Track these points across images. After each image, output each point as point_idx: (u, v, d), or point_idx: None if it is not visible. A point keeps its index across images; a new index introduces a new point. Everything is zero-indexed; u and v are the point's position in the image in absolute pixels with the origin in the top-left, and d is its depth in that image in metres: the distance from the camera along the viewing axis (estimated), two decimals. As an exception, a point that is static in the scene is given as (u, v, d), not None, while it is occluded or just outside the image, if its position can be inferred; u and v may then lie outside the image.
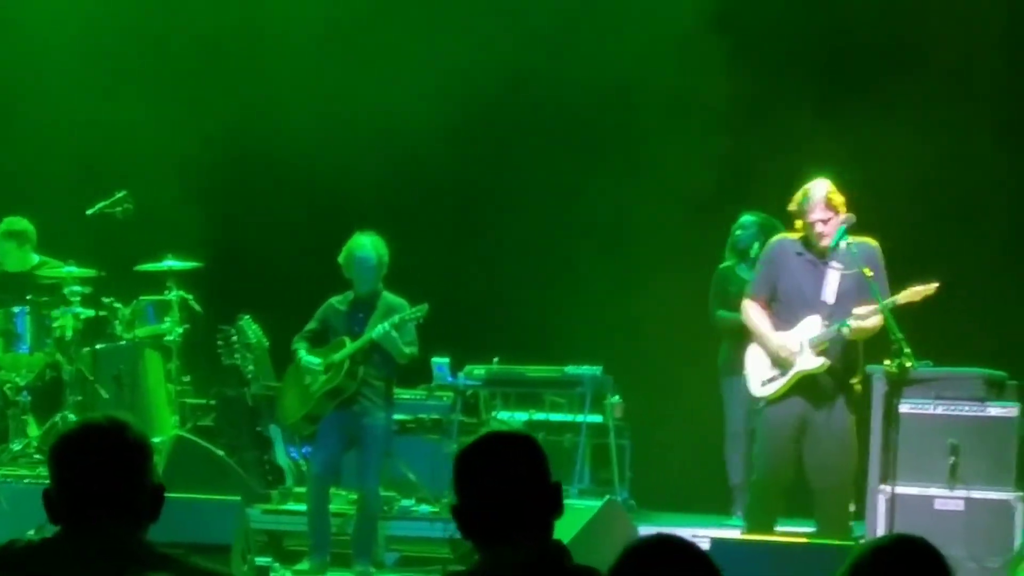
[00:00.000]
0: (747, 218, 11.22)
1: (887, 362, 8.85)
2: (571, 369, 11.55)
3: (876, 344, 9.07)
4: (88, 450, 3.54)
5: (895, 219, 11.43)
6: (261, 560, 9.59)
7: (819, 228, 9.11)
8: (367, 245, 10.29)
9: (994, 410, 9.45)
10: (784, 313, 9.30)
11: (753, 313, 9.38)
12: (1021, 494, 9.30)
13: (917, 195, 11.84)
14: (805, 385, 9.15)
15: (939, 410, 9.48)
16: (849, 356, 9.21)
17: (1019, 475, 9.37)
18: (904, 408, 9.27)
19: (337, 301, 10.50)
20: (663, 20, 12.46)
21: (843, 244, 9.11)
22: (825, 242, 9.13)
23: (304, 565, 10.24)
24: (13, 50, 13.17)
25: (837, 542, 8.49)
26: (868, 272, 8.89)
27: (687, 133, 12.31)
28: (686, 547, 3.11)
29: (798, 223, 9.25)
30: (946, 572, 3.15)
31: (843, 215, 9.00)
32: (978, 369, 9.67)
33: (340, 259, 10.37)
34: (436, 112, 12.75)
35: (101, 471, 3.51)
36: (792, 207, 9.23)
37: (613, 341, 12.16)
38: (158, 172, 12.71)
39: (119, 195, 11.34)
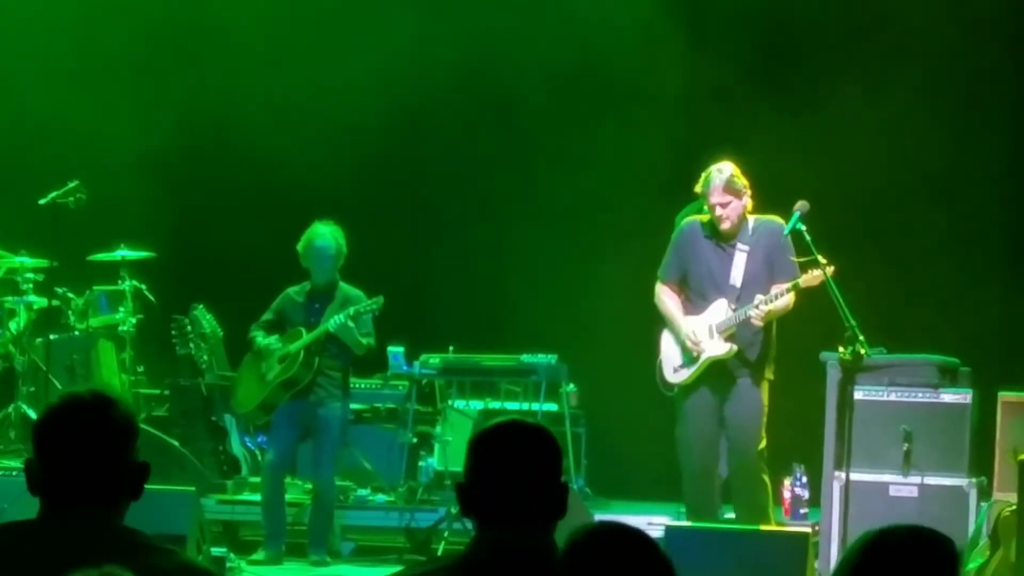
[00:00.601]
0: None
1: (841, 349, 8.87)
2: (526, 358, 11.55)
3: (829, 331, 9.10)
4: (70, 427, 3.45)
5: (851, 204, 11.51)
6: (216, 550, 9.55)
7: (718, 212, 9.12)
8: (326, 234, 10.28)
9: (947, 396, 9.50)
10: (693, 297, 9.34)
11: (665, 297, 9.41)
12: (974, 480, 9.35)
13: (872, 180, 11.88)
14: (715, 370, 9.20)
15: (893, 397, 9.53)
16: (759, 338, 9.22)
17: (972, 461, 9.43)
18: (858, 395, 9.30)
19: (294, 291, 10.48)
20: (620, 4, 12.45)
21: (751, 223, 9.13)
22: (724, 225, 9.14)
23: (259, 555, 10.23)
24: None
25: (793, 530, 8.53)
26: (822, 260, 8.87)
27: (642, 120, 12.30)
28: (632, 534, 3.10)
29: (704, 205, 9.26)
30: (955, 559, 3.15)
31: (799, 203, 8.98)
32: (931, 356, 9.72)
33: (299, 247, 10.35)
34: (390, 100, 12.72)
35: (81, 450, 3.43)
36: (697, 189, 9.25)
37: (568, 329, 12.16)
38: (111, 161, 12.62)
39: (71, 185, 11.28)
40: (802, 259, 8.99)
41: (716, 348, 9.18)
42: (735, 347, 9.15)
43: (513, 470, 3.56)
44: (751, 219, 9.21)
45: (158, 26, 13.19)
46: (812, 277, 8.88)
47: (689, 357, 9.25)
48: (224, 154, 12.85)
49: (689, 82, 12.30)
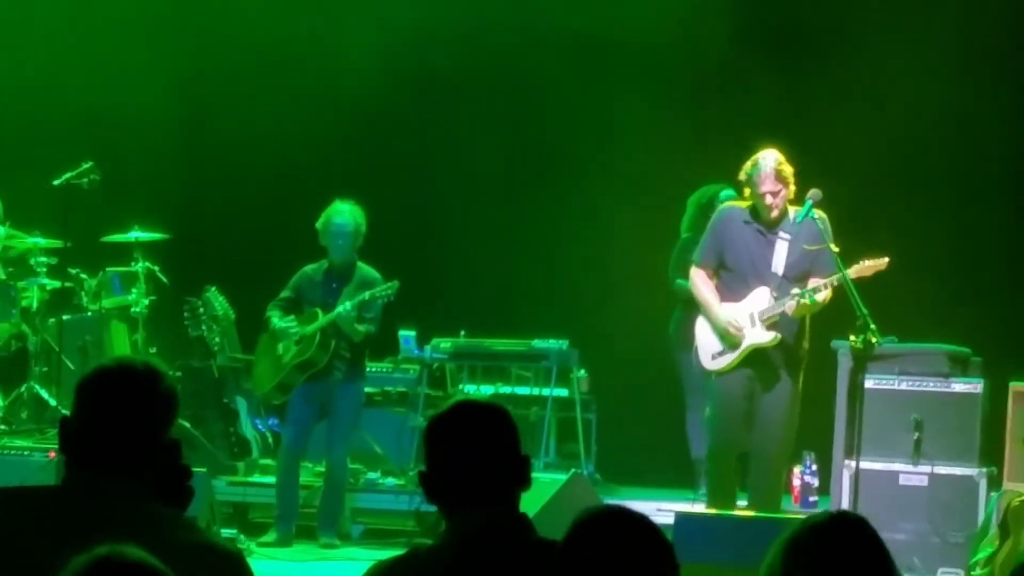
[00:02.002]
0: (728, 192, 11.16)
1: (852, 338, 8.84)
2: (537, 343, 11.56)
3: (841, 319, 9.09)
4: (118, 392, 3.36)
5: (862, 192, 11.49)
6: (226, 532, 9.59)
7: (768, 200, 9.05)
8: (345, 212, 10.28)
9: (958, 386, 9.50)
10: (731, 283, 9.26)
11: (700, 283, 9.34)
12: (984, 470, 9.35)
13: (884, 168, 11.88)
14: (755, 357, 9.16)
15: (903, 386, 9.52)
16: (797, 328, 9.20)
17: (982, 451, 9.42)
18: (869, 383, 9.29)
19: (312, 270, 10.47)
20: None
21: (791, 214, 9.12)
22: (774, 214, 9.11)
23: (270, 537, 10.24)
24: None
25: (802, 517, 8.51)
26: (834, 248, 8.88)
27: (657, 98, 12.27)
28: (635, 518, 3.11)
29: (746, 192, 9.22)
30: (882, 550, 3.15)
31: (812, 191, 8.98)
32: (943, 345, 9.72)
33: (317, 225, 10.33)
34: (400, 80, 12.75)
35: (125, 417, 3.35)
36: (741, 177, 9.18)
37: (580, 315, 12.17)
38: (125, 143, 12.67)
39: (85, 166, 11.30)
40: (815, 247, 8.97)
41: (759, 336, 9.12)
42: (779, 335, 9.09)
43: (470, 451, 3.55)
44: (791, 210, 9.18)
45: (170, 5, 13.21)
46: (864, 267, 8.84)
47: (728, 344, 9.18)
48: (237, 136, 12.85)
49: (703, 58, 12.27)
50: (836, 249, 8.86)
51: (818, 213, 9.04)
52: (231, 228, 12.98)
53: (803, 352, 9.25)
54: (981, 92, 12.06)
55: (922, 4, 12.10)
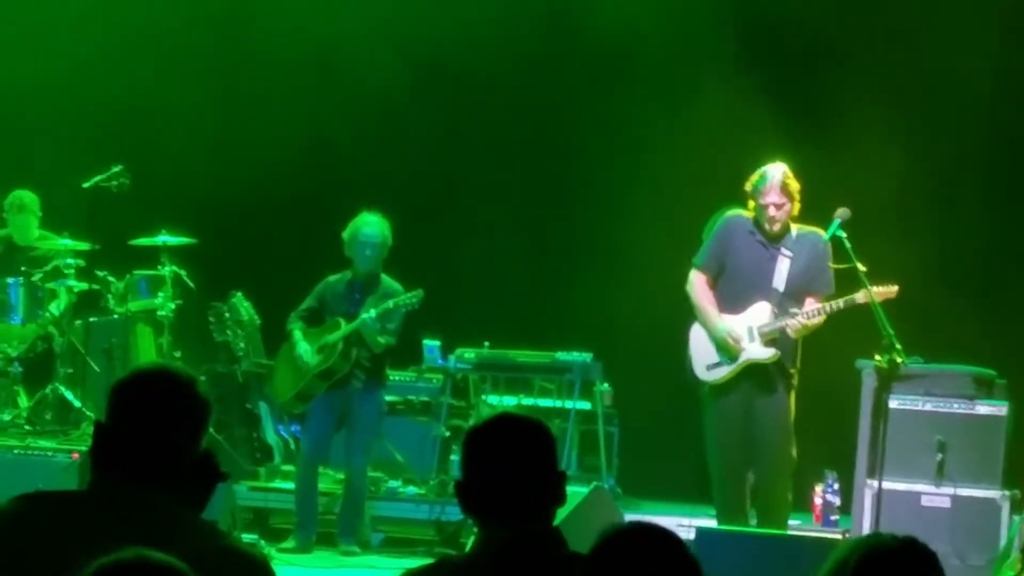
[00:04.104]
0: None
1: (877, 357, 8.85)
2: (561, 355, 11.56)
3: (866, 339, 9.08)
4: (156, 399, 3.34)
5: (888, 213, 11.46)
6: (247, 537, 9.60)
7: (772, 212, 9.05)
8: (374, 223, 10.31)
9: (983, 408, 9.47)
10: (729, 292, 9.25)
11: (700, 289, 9.31)
12: (1007, 492, 9.32)
13: (910, 188, 11.85)
14: (750, 372, 9.14)
15: (928, 407, 9.50)
16: (792, 345, 9.18)
17: (1006, 473, 9.39)
18: (893, 404, 9.27)
19: (335, 280, 10.50)
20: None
21: (794, 231, 9.10)
22: (776, 227, 9.10)
23: (289, 543, 10.26)
24: (5, 20, 13.12)
25: (825, 536, 8.50)
26: (861, 267, 8.86)
27: (683, 113, 12.27)
28: (660, 534, 3.11)
29: (751, 203, 9.19)
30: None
31: (840, 210, 8.96)
32: (968, 367, 9.69)
33: (344, 235, 10.36)
34: (428, 89, 12.79)
35: (159, 421, 3.32)
36: (747, 187, 9.16)
37: (604, 328, 12.16)
38: (155, 147, 12.70)
39: (115, 169, 11.36)
40: (841, 266, 8.96)
41: (758, 352, 9.11)
42: (778, 352, 9.10)
43: (509, 464, 3.54)
44: (794, 227, 9.18)
45: (204, 8, 13.26)
46: (874, 293, 8.82)
47: (726, 356, 9.18)
48: (267, 142, 12.88)
49: (730, 79, 12.28)
50: (864, 269, 8.84)
51: (800, 227, 9.05)
52: (258, 234, 13.01)
53: (796, 371, 9.23)
54: (1010, 109, 12.04)
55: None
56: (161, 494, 3.30)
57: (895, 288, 8.90)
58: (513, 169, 13.07)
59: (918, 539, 3.15)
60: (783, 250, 9.13)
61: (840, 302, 8.92)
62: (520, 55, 12.84)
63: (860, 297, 8.86)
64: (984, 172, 12.13)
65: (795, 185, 9.06)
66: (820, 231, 9.13)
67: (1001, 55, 12.06)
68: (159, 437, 3.33)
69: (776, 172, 9.06)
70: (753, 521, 9.48)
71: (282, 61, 12.98)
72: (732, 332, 9.11)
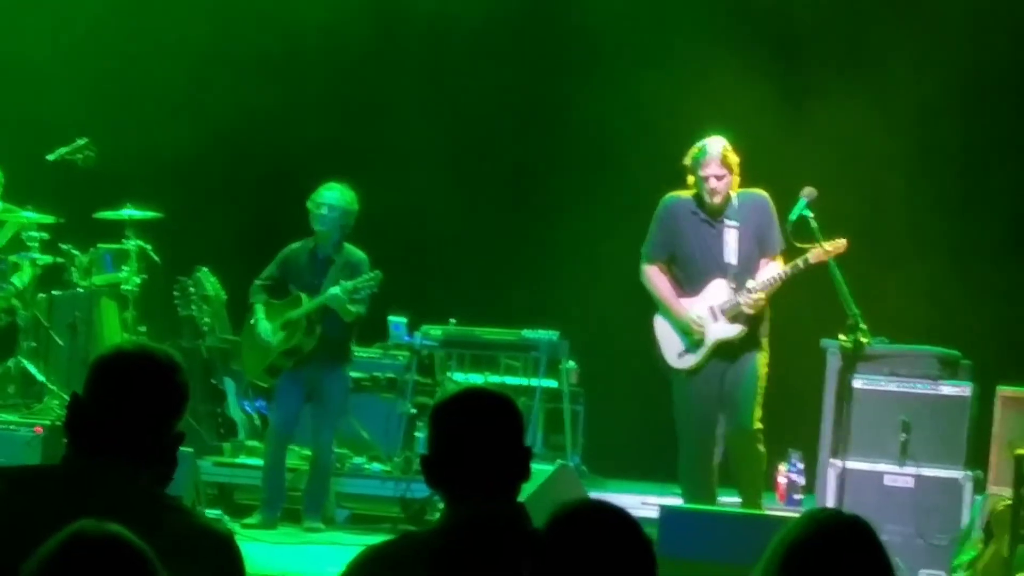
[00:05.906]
0: None
1: (842, 337, 8.85)
2: (527, 333, 11.56)
3: (831, 319, 9.08)
4: (137, 378, 3.36)
5: (855, 195, 11.48)
6: (211, 513, 9.55)
7: (712, 184, 9.00)
8: (335, 188, 10.28)
9: (947, 389, 9.48)
10: (684, 276, 9.24)
11: (656, 279, 9.27)
12: (970, 473, 9.35)
13: (876, 171, 11.87)
14: (721, 351, 9.14)
15: (892, 387, 9.51)
16: (758, 315, 9.16)
17: (969, 454, 9.42)
18: (857, 383, 9.28)
19: (298, 247, 10.45)
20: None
21: (735, 200, 9.08)
22: (717, 199, 9.06)
23: (254, 519, 10.24)
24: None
25: (789, 515, 8.51)
26: (828, 247, 8.84)
27: (648, 95, 12.27)
28: (613, 513, 3.09)
29: (690, 179, 9.14)
30: (887, 561, 3.12)
31: (806, 189, 8.93)
32: (933, 348, 9.71)
33: (308, 203, 10.33)
34: (397, 62, 12.75)
35: (140, 404, 3.35)
36: (687, 161, 9.10)
37: (571, 306, 12.16)
38: (119, 121, 12.63)
39: (80, 142, 11.29)
40: (806, 245, 8.94)
41: (724, 331, 9.09)
42: (744, 328, 9.09)
43: (475, 438, 3.52)
44: (734, 195, 9.15)
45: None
46: (823, 253, 8.81)
47: (692, 341, 9.15)
48: (234, 117, 12.82)
49: (700, 61, 12.27)
50: (830, 249, 8.83)
51: (740, 191, 9.03)
52: (224, 209, 12.96)
53: (766, 332, 9.21)
54: (978, 98, 12.08)
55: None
56: (133, 472, 3.32)
57: (843, 242, 8.86)
58: (480, 145, 13.05)
59: (858, 515, 3.15)
60: (727, 222, 9.09)
61: (799, 262, 8.91)
62: (493, 35, 12.81)
63: (812, 257, 8.84)
64: (954, 155, 12.15)
65: (734, 158, 9.04)
66: (761, 191, 9.12)
67: (978, 37, 12.09)
68: (140, 417, 3.35)
69: (716, 144, 9.04)
70: (723, 499, 9.47)
71: (253, 35, 12.91)
72: (695, 317, 9.09)
